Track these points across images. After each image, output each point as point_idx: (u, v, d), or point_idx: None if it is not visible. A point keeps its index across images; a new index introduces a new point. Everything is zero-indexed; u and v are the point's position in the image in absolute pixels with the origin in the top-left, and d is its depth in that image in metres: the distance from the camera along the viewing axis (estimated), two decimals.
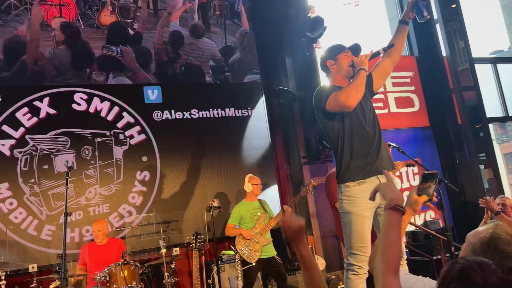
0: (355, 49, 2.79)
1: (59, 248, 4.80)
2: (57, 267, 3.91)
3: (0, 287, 3.79)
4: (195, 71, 5.97)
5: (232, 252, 4.89)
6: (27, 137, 5.03)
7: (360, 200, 2.60)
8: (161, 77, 5.77)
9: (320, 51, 6.11)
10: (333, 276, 5.28)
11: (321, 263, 5.48)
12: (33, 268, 3.76)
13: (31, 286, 3.70)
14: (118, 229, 4.71)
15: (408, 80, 7.12)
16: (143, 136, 5.49)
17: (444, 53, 7.05)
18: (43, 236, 4.87)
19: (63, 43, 5.41)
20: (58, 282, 3.75)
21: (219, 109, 5.93)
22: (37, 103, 5.13)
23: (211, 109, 5.89)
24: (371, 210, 2.64)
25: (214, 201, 4.52)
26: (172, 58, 5.88)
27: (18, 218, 4.83)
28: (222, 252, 5.08)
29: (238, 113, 6.01)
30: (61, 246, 4.71)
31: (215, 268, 4.74)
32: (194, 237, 4.08)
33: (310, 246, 5.66)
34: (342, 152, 2.71)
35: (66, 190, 2.95)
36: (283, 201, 5.78)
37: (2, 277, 3.84)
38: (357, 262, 2.59)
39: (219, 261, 4.83)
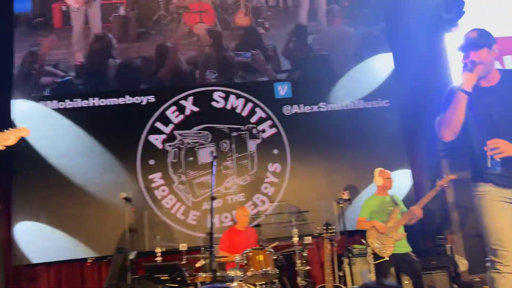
0: None
1: (203, 232, 5.34)
2: (202, 248, 4.35)
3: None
4: (322, 63, 6.02)
5: (362, 246, 4.83)
6: (175, 132, 5.68)
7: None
8: (289, 72, 5.96)
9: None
10: (477, 279, 4.86)
11: (462, 263, 5.08)
12: (183, 247, 4.27)
13: (181, 263, 4.19)
14: (254, 217, 5.05)
15: None
16: (274, 130, 5.75)
17: None
18: (189, 221, 5.47)
19: (207, 47, 5.94)
20: (203, 262, 4.17)
21: (348, 102, 5.89)
22: (183, 102, 5.75)
23: (339, 102, 5.88)
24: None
25: (344, 193, 4.52)
26: (299, 51, 6.02)
27: (169, 203, 5.50)
28: (352, 246, 5.06)
29: (369, 104, 5.89)
30: (205, 230, 5.26)
31: (346, 261, 4.75)
32: (325, 228, 4.16)
33: (449, 245, 5.28)
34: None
35: (213, 176, 3.29)
36: (418, 196, 5.49)
37: (159, 254, 4.43)
38: (497, 258, 2.38)
39: (351, 254, 4.82)
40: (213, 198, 3.28)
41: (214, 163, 3.42)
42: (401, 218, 4.40)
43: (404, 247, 4.42)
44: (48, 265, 5.30)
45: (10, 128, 2.09)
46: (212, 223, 3.17)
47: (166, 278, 3.38)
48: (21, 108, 5.50)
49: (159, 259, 4.46)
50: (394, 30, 6.16)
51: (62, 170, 5.39)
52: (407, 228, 4.48)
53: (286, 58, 6.01)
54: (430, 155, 5.63)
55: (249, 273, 4.11)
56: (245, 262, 4.16)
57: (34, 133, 5.30)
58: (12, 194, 5.33)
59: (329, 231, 4.16)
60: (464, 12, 5.47)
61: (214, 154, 3.50)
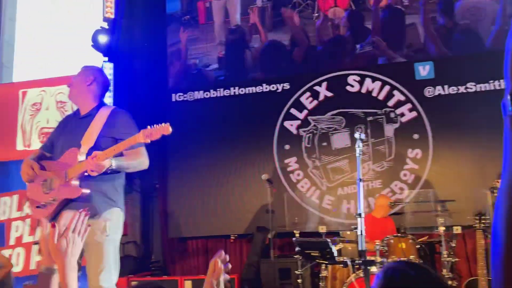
0: None
1: (337, 217, 5.36)
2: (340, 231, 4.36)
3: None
4: (470, 37, 5.47)
5: None
6: (309, 118, 5.76)
7: None
8: (431, 50, 5.56)
9: None
10: None
11: None
12: (322, 229, 4.35)
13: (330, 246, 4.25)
14: (392, 204, 4.87)
15: None
16: (414, 114, 5.44)
17: None
18: (324, 205, 5.53)
19: (342, 31, 5.88)
20: (341, 245, 4.18)
21: (500, 81, 5.27)
22: (317, 87, 5.80)
23: (490, 81, 5.29)
24: None
25: (499, 182, 4.09)
26: (443, 27, 5.56)
27: (304, 187, 5.63)
28: None
29: None
30: (340, 215, 5.26)
31: None
32: (477, 218, 3.82)
33: None
34: None
35: (359, 158, 3.28)
36: None
37: (297, 235, 4.59)
38: None
39: None
40: (360, 180, 3.27)
41: (359, 145, 3.39)
42: None
43: None
44: (196, 239, 5.89)
45: (155, 125, 2.35)
46: (360, 205, 3.16)
47: (316, 254, 3.50)
48: (174, 100, 6.16)
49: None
50: None
51: (209, 154, 5.89)
52: None
53: (429, 35, 5.61)
54: None
55: (390, 261, 4.00)
56: (386, 249, 4.06)
57: (183, 122, 5.93)
58: (168, 174, 6.02)
59: (482, 221, 3.81)
60: None
61: (361, 135, 3.46)
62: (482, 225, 3.80)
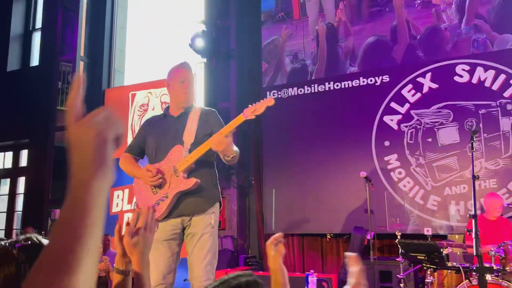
0: None
1: (444, 219, 4.94)
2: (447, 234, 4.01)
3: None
4: None
5: None
6: (412, 112, 5.38)
7: None
8: None
9: None
10: None
11: None
12: (428, 231, 4.03)
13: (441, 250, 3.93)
14: (510, 206, 4.34)
15: None
16: None
17: None
18: (428, 205, 5.13)
19: (448, 17, 5.41)
20: (451, 249, 3.83)
21: None
22: (420, 79, 5.39)
23: None
24: None
25: None
26: None
27: (406, 186, 5.28)
28: None
29: None
30: (447, 217, 4.85)
31: None
32: None
33: None
34: None
35: (472, 154, 2.97)
36: None
37: (399, 236, 4.31)
38: None
39: None
40: (475, 177, 2.95)
41: (472, 140, 3.07)
42: None
43: None
44: (292, 236, 5.86)
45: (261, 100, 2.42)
46: (474, 204, 2.86)
47: (423, 257, 3.24)
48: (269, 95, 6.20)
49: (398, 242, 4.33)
50: None
51: (304, 151, 5.82)
52: None
53: None
54: None
55: (508, 268, 3.56)
56: (503, 255, 3.62)
57: (278, 119, 5.95)
58: (263, 170, 6.09)
59: None
60: None
61: (473, 127, 3.12)
62: None
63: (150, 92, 7.00)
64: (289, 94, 6.11)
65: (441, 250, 3.15)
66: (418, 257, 3.32)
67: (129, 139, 6.48)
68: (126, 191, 6.53)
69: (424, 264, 3.33)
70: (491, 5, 5.22)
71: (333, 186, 5.59)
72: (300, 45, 6.21)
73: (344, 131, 5.68)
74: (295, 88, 6.08)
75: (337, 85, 5.86)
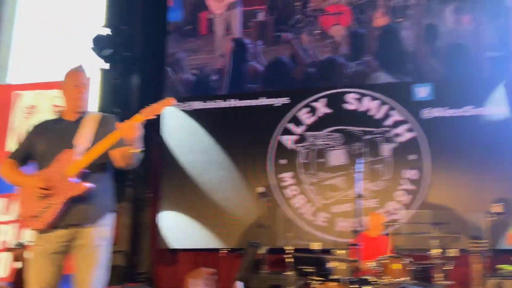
0: None
1: (332, 235, 5.29)
2: (331, 249, 4.27)
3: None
4: (470, 62, 5.51)
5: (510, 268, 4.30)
6: (307, 133, 5.73)
7: None
8: (430, 73, 5.59)
9: None
10: None
11: None
12: (318, 246, 4.27)
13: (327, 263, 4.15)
14: (387, 224, 4.82)
15: None
16: (411, 134, 5.43)
17: None
18: (318, 222, 5.46)
19: (342, 49, 5.90)
20: (335, 264, 4.11)
21: (500, 107, 5.28)
22: (315, 103, 5.78)
23: (489, 106, 5.30)
24: None
25: (496, 206, 4.07)
26: (443, 50, 5.60)
27: (299, 203, 5.56)
28: (498, 266, 4.52)
29: None
30: (334, 233, 5.20)
31: (493, 282, 4.26)
32: (474, 242, 3.78)
33: None
34: None
35: (357, 175, 3.24)
36: None
37: (290, 251, 4.50)
38: None
39: (498, 275, 4.31)
40: (359, 196, 3.22)
41: (359, 162, 3.36)
42: None
43: None
44: (186, 251, 5.78)
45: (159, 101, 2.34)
46: (359, 221, 3.11)
47: (312, 270, 3.41)
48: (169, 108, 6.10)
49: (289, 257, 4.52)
50: None
51: (201, 167, 5.83)
52: None
53: (429, 58, 5.64)
54: None
55: (384, 281, 3.94)
56: (381, 269, 4.00)
57: (180, 132, 5.90)
58: (161, 185, 5.94)
59: (479, 245, 3.77)
60: None
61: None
62: (478, 249, 3.76)
63: (40, 94, 6.43)
64: (192, 108, 6.09)
65: (328, 263, 3.37)
66: (306, 270, 3.50)
67: (8, 142, 5.95)
68: (3, 200, 5.84)
69: (312, 277, 3.52)
70: (379, 43, 5.82)
71: (231, 201, 5.67)
72: (206, 60, 6.27)
73: (244, 147, 5.83)
74: (199, 102, 6.09)
75: (239, 103, 6.00)
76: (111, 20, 6.15)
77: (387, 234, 5.07)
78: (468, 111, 5.34)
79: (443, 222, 4.60)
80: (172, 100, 2.34)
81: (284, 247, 4.67)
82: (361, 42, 5.86)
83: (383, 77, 5.72)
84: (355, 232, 3.10)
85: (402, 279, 3.91)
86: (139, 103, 6.13)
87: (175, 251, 5.85)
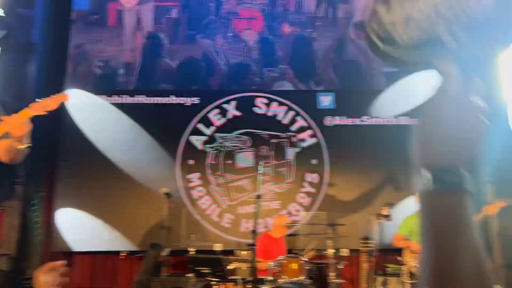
0: None
1: (237, 236, 5.35)
2: (234, 250, 4.34)
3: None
4: (368, 75, 5.95)
5: (397, 266, 4.71)
6: (216, 135, 5.74)
7: None
8: (333, 83, 5.94)
9: None
10: None
11: None
12: (219, 247, 4.29)
13: (223, 263, 4.18)
14: (290, 225, 5.00)
15: None
16: (314, 140, 5.72)
17: None
18: (223, 223, 5.49)
19: (254, 54, 6.01)
20: (236, 264, 4.16)
21: (391, 117, 5.78)
22: (226, 105, 5.82)
23: (383, 117, 5.78)
24: None
25: (384, 209, 4.43)
26: (345, 62, 5.99)
27: (205, 204, 5.54)
28: (387, 265, 4.93)
29: (412, 121, 5.75)
30: (238, 234, 5.25)
31: (380, 279, 4.63)
32: (364, 242, 4.08)
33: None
34: None
35: (259, 176, 3.30)
36: None
37: (192, 253, 4.46)
38: None
39: (384, 273, 4.70)
40: (258, 197, 3.29)
41: (260, 164, 3.43)
42: None
43: None
44: (83, 254, 5.43)
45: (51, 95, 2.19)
46: (256, 222, 3.17)
47: (208, 271, 3.40)
48: (74, 98, 5.70)
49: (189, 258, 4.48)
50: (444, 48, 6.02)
51: (105, 162, 5.54)
52: None
53: (332, 69, 5.99)
54: (473, 178, 5.44)
55: (281, 281, 4.08)
56: (279, 269, 4.13)
57: (82, 122, 5.55)
58: (56, 180, 5.51)
59: (368, 245, 4.07)
60: None
61: (263, 153, 3.49)
62: (367, 248, 4.06)
63: None
64: (95, 102, 5.76)
65: (224, 264, 3.40)
66: (203, 271, 3.50)
67: None
68: None
69: (208, 278, 3.52)
70: (289, 51, 6.04)
71: (133, 201, 5.46)
72: (113, 53, 5.98)
73: (151, 146, 5.66)
74: (104, 96, 5.78)
75: (149, 100, 5.82)
76: (7, 0, 5.58)
77: (291, 235, 5.28)
78: (365, 120, 5.76)
79: (337, 223, 4.91)
80: (66, 96, 2.20)
81: (188, 249, 4.64)
82: (272, 48, 6.03)
83: (291, 84, 5.94)
84: (254, 233, 3.16)
85: (298, 278, 4.07)
86: (36, 94, 5.65)
87: (71, 254, 5.46)
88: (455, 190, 0.62)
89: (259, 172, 3.49)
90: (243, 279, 3.55)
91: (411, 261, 4.25)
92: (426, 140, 0.68)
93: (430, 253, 0.61)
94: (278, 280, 4.09)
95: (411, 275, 4.20)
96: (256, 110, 5.84)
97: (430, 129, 0.68)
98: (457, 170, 0.63)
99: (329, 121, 5.78)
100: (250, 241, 5.10)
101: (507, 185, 5.20)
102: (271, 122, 5.78)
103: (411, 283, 4.13)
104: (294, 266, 4.12)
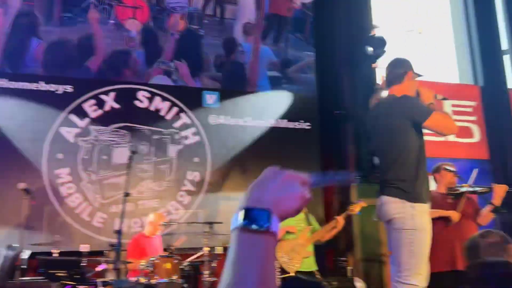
0: None
1: (109, 236, 5.02)
2: (107, 251, 4.07)
3: None
4: (249, 79, 6.10)
5: None
6: (91, 127, 5.34)
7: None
8: (218, 82, 5.96)
9: (379, 71, 6.04)
10: None
11: (360, 286, 5.34)
12: (85, 248, 3.97)
13: (81, 265, 3.88)
14: (166, 224, 4.86)
15: (470, 109, 6.87)
16: (197, 138, 5.66)
17: (510, 86, 6.80)
18: (94, 223, 5.12)
19: (137, 44, 5.72)
20: (106, 265, 3.91)
21: (272, 119, 6.00)
22: (103, 96, 5.44)
23: (265, 119, 5.97)
24: None
25: None
26: (231, 63, 6.06)
27: (74, 202, 5.11)
28: None
29: (291, 124, 6.06)
30: (111, 234, 4.95)
31: None
32: None
33: (350, 267, 5.54)
34: (419, 173, 2.69)
35: (128, 171, 3.12)
36: (328, 218, 5.71)
37: (56, 255, 4.07)
38: (421, 284, 2.53)
39: None
40: (127, 195, 3.10)
41: (132, 159, 3.25)
42: (313, 236, 4.54)
43: (311, 266, 4.54)
44: None
45: None
46: (122, 221, 2.99)
47: (63, 274, 3.09)
48: None
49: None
50: (321, 57, 6.46)
51: None
52: (314, 247, 4.62)
53: (218, 69, 6.01)
54: (342, 180, 5.91)
55: (153, 281, 3.94)
56: (151, 269, 3.98)
57: None
58: None
59: None
60: (385, 51, 5.92)
61: (134, 148, 3.31)
62: None
63: None
64: None
65: (82, 266, 3.15)
66: (58, 274, 3.20)
67: None
68: None
69: (64, 282, 3.23)
70: (176, 46, 5.89)
71: None
72: None
73: (15, 137, 5.03)
74: None
75: (12, 84, 5.18)
76: None
77: (169, 234, 5.13)
78: (247, 121, 5.89)
79: (215, 221, 4.92)
80: None
81: (51, 251, 4.23)
82: (156, 41, 5.82)
83: (175, 80, 5.80)
84: (118, 233, 2.97)
85: (171, 278, 3.97)
86: None
87: None
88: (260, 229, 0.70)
89: (129, 169, 3.28)
90: (103, 282, 3.32)
91: (283, 257, 4.42)
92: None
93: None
94: (151, 280, 3.95)
95: (282, 270, 4.38)
96: (137, 103, 5.57)
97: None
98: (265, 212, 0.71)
99: (213, 120, 5.78)
100: (124, 241, 4.87)
101: (368, 187, 5.75)
102: (153, 117, 5.57)
103: (280, 278, 4.30)
104: (168, 265, 4.01)
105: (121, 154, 5.35)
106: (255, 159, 5.72)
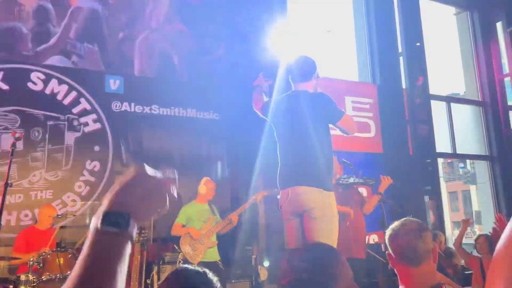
0: None
1: None
2: None
3: None
4: (163, 63, 5.89)
5: (175, 254, 4.82)
6: None
7: None
8: (125, 66, 5.67)
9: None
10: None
11: (263, 273, 5.48)
12: None
13: None
14: (60, 216, 4.51)
15: (367, 106, 7.38)
16: (98, 125, 5.34)
17: (404, 85, 7.44)
18: None
19: (31, 20, 5.21)
20: None
21: (180, 108, 5.86)
22: None
23: (172, 107, 5.81)
24: None
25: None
26: (139, 45, 5.80)
27: None
28: (165, 254, 4.98)
29: (200, 114, 5.98)
30: None
31: (156, 268, 4.64)
32: (138, 231, 3.98)
33: (254, 256, 5.66)
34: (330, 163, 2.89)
35: (11, 158, 2.83)
36: (233, 208, 5.76)
37: None
38: None
39: (161, 262, 4.73)
40: (8, 185, 2.82)
41: (14, 146, 2.96)
42: (215, 227, 4.55)
43: (214, 256, 4.56)
44: None
45: None
46: (3, 205, 2.71)
47: None
48: None
49: None
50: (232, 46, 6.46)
51: None
52: (220, 237, 4.64)
53: (125, 51, 5.71)
54: (248, 171, 6.00)
55: (43, 278, 3.65)
56: (41, 265, 3.68)
57: None
58: None
59: (142, 235, 4.00)
60: None
61: (17, 135, 3.01)
62: (141, 238, 3.99)
63: None
64: None
65: None
66: None
67: None
68: None
69: None
70: (75, 25, 5.47)
71: None
72: None
73: None
74: None
75: None
76: None
77: (63, 227, 4.78)
78: (154, 109, 5.68)
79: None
80: None
81: None
82: (50, 19, 5.34)
83: (74, 62, 5.40)
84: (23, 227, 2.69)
85: (64, 273, 3.71)
86: None
87: None
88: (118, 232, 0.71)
89: (11, 157, 2.98)
90: None
91: (187, 248, 4.38)
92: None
93: None
94: (41, 276, 3.66)
95: (185, 261, 4.34)
96: (31, 85, 5.09)
97: None
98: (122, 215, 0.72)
99: (116, 106, 5.49)
100: (12, 235, 4.46)
101: (270, 177, 5.90)
102: (49, 101, 5.13)
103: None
104: (60, 260, 3.74)
105: (9, 141, 4.85)
106: (163, 148, 5.56)
